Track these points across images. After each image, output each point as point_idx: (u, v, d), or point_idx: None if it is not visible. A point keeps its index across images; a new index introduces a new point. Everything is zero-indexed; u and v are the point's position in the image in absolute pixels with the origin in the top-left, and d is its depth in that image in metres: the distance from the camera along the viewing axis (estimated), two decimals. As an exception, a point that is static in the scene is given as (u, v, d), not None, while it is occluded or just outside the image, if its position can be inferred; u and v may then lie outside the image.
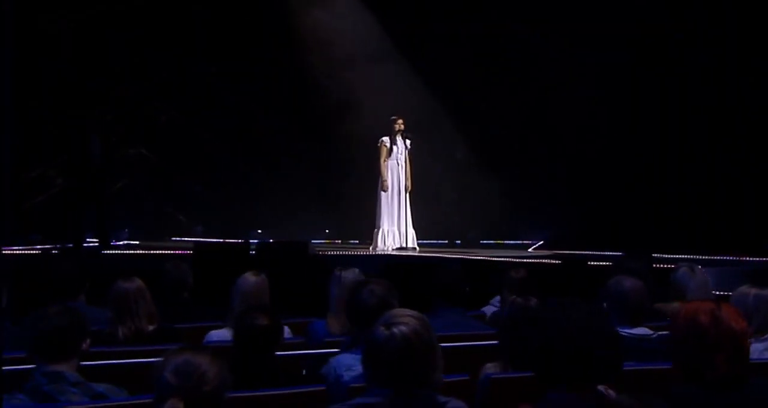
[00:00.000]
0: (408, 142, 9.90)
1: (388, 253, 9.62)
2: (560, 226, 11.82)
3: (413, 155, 10.06)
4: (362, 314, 3.34)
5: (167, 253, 9.51)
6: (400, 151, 9.84)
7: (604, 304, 3.63)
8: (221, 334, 4.28)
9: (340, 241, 12.54)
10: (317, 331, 4.38)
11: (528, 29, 11.29)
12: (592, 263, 6.83)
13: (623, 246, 9.87)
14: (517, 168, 11.90)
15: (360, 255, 9.44)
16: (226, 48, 12.68)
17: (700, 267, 4.81)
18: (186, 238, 13.03)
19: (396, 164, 9.86)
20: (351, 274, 4.37)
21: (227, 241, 12.34)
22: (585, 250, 10.03)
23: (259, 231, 13.26)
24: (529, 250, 10.84)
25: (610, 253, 9.31)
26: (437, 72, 11.61)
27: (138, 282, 4.27)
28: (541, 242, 11.78)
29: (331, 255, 9.30)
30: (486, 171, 11.92)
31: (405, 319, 2.33)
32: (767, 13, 9.37)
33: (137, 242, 12.17)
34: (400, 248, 9.77)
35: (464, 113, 11.81)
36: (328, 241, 12.87)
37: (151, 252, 9.91)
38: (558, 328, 2.40)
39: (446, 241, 11.83)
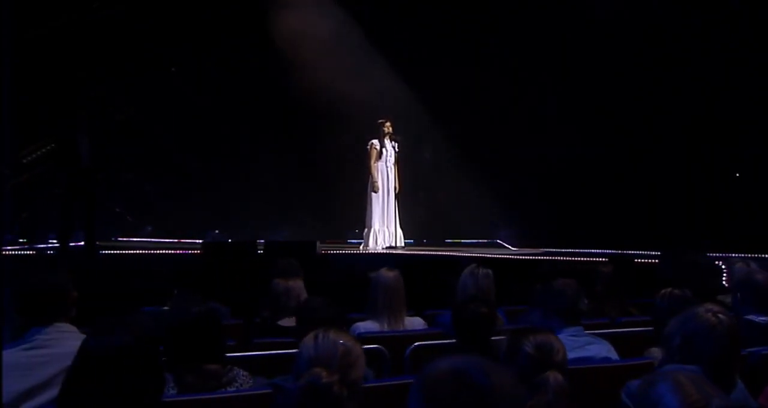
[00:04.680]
0: (396, 144, 10.27)
1: (379, 252, 9.97)
2: (517, 226, 12.45)
3: (400, 157, 10.46)
4: (561, 304, 3.79)
5: (170, 253, 9.55)
6: (389, 154, 10.21)
7: (738, 295, 4.21)
8: (367, 326, 4.60)
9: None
10: (448, 322, 4.75)
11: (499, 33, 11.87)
12: (638, 261, 7.45)
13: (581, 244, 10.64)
14: (478, 168, 12.38)
15: (368, 254, 9.73)
16: (185, 46, 12.71)
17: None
18: (134, 239, 12.97)
19: (385, 166, 10.22)
20: (483, 271, 4.78)
21: (182, 240, 12.45)
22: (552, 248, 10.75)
23: (216, 231, 13.30)
24: (513, 249, 11.38)
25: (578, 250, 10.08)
26: (411, 72, 12.04)
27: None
28: (498, 240, 12.43)
29: (336, 254, 9.56)
30: (448, 170, 12.46)
31: (720, 309, 2.83)
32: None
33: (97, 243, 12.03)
34: (390, 247, 10.16)
35: (433, 113, 12.27)
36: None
37: (156, 252, 9.89)
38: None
39: (413, 241, 12.22)
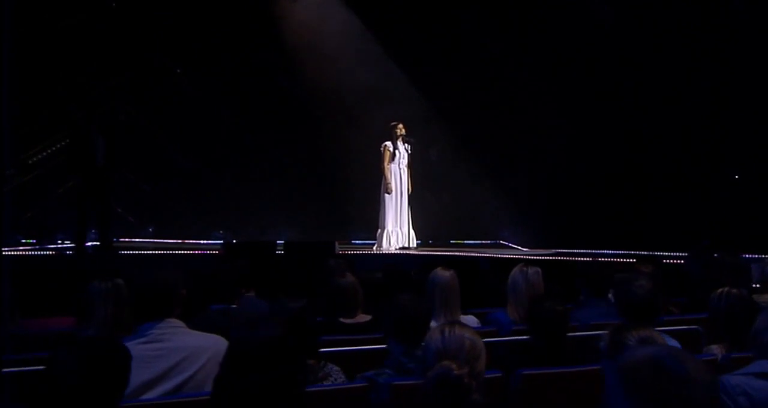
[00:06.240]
0: (408, 146, 10.37)
1: (393, 252, 10.06)
2: (520, 227, 12.58)
3: (413, 159, 10.55)
4: (634, 305, 3.90)
5: (188, 253, 9.58)
6: (402, 156, 10.30)
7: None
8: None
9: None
10: (500, 319, 4.86)
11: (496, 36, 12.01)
12: (666, 261, 7.59)
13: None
14: (481, 169, 12.51)
15: (388, 254, 9.80)
16: (190, 46, 12.73)
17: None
18: (136, 239, 12.94)
19: (398, 168, 10.32)
20: (532, 269, 4.89)
21: (186, 241, 12.47)
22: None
23: (221, 231, 13.32)
24: (524, 249, 11.50)
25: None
26: (418, 73, 12.14)
27: (352, 278, 4.65)
28: (500, 241, 12.57)
29: (355, 254, 9.62)
30: (451, 171, 12.57)
31: None
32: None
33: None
34: (403, 248, 10.26)
35: (441, 114, 12.37)
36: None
37: (175, 252, 9.92)
38: None
39: (420, 241, 12.30)
